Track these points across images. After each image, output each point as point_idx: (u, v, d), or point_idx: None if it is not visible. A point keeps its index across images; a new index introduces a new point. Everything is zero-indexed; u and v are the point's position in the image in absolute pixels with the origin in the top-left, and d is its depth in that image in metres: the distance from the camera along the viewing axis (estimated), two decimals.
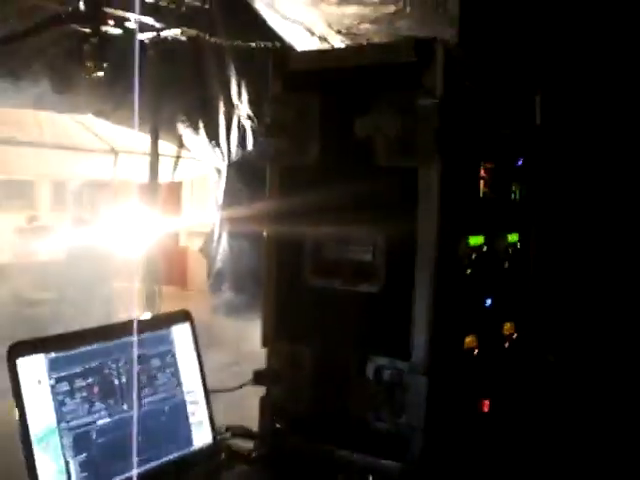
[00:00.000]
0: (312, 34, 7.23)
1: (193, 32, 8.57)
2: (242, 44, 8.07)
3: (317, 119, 2.16)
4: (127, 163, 11.29)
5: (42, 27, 8.31)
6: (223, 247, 9.63)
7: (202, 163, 10.58)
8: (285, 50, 7.06)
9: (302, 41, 7.34)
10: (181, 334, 2.04)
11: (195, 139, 9.85)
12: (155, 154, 9.08)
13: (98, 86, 9.56)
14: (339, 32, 6.89)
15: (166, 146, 10.24)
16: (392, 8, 5.99)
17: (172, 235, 11.68)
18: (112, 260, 10.35)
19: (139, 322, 1.90)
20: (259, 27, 7.62)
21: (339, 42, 7.07)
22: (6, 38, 8.10)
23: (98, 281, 9.95)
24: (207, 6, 8.28)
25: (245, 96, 9.06)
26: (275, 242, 2.28)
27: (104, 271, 10.04)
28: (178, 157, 10.41)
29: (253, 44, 7.87)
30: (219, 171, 9.80)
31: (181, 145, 10.11)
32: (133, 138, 10.55)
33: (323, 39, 7.19)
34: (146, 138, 9.48)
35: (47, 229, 12.83)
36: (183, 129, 9.82)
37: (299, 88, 2.20)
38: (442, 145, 1.93)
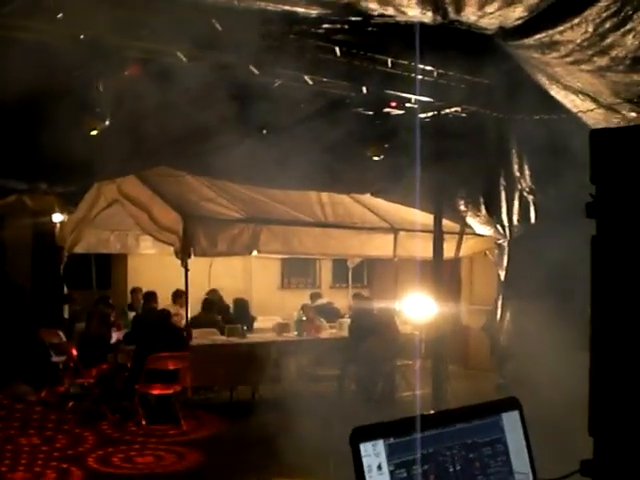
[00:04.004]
0: (598, 104, 7.00)
1: (473, 108, 8.55)
2: (524, 117, 7.93)
3: None
4: (406, 241, 11.43)
5: (325, 112, 8.68)
6: (507, 325, 9.38)
7: (482, 239, 10.47)
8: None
9: (587, 112, 7.12)
10: (510, 421, 1.95)
11: (476, 215, 9.78)
12: (439, 232, 9.08)
13: (376, 166, 9.82)
14: (628, 100, 6.63)
15: (445, 222, 10.26)
16: None
17: (453, 313, 11.61)
18: (393, 337, 10.44)
19: (470, 409, 1.87)
20: (541, 99, 7.48)
21: (628, 111, 6.79)
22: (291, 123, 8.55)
23: (380, 358, 10.06)
24: (487, 81, 8.25)
25: (527, 170, 8.88)
26: (602, 328, 2.10)
27: (386, 348, 10.14)
28: (460, 234, 10.36)
29: (537, 117, 7.70)
30: (500, 247, 9.63)
31: (463, 221, 10.06)
32: (411, 216, 10.68)
33: (611, 109, 6.94)
34: (424, 215, 9.52)
35: (329, 306, 13.24)
36: (463, 205, 9.79)
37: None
38: None
